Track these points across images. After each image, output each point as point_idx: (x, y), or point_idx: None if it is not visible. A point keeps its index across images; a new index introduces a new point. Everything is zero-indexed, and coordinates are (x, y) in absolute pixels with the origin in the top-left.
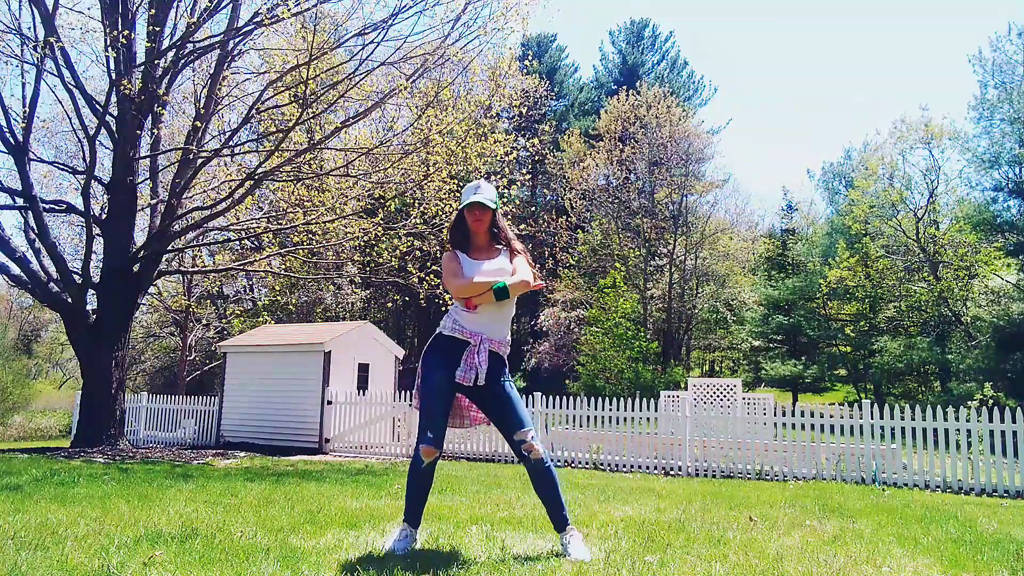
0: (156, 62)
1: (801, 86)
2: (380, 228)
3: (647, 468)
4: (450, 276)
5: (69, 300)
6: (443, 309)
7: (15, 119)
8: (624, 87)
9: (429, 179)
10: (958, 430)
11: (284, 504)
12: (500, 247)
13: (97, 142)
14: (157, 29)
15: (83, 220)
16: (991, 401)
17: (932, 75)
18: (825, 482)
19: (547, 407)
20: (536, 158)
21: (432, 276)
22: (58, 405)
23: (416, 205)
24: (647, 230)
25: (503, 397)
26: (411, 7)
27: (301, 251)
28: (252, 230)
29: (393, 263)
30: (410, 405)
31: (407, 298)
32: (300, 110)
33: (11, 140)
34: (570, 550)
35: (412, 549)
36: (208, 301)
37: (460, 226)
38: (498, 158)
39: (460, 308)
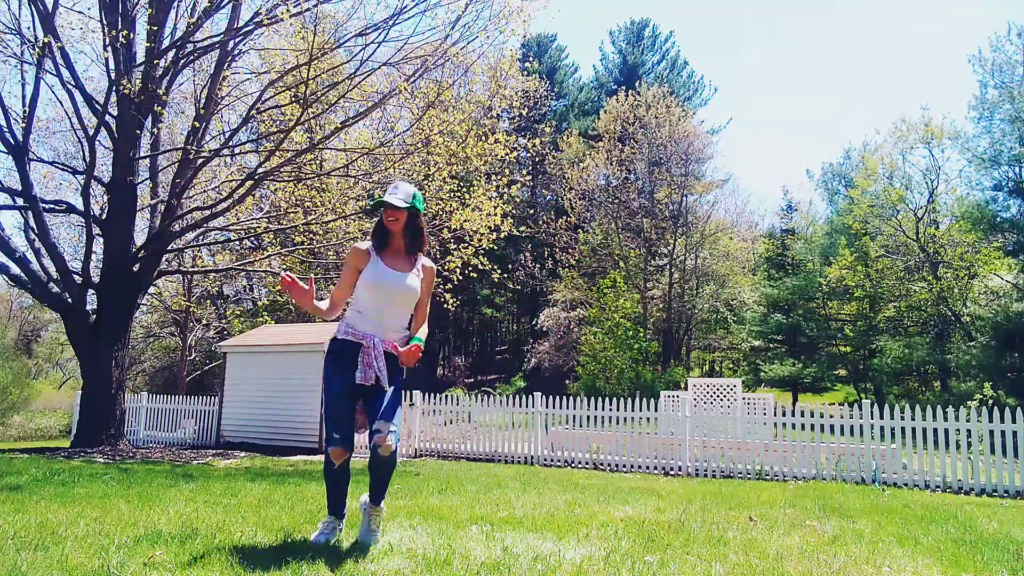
0: (156, 62)
1: (801, 86)
2: None
3: (647, 468)
4: (340, 280)
5: (69, 300)
6: (444, 308)
7: (15, 119)
8: (624, 87)
9: (430, 179)
10: (958, 430)
11: (284, 504)
12: (416, 257)
13: (97, 142)
14: (157, 29)
15: (83, 220)
16: (991, 401)
17: (932, 75)
18: (825, 482)
19: (547, 407)
20: (536, 158)
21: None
22: (58, 405)
23: None
24: (647, 230)
25: (382, 391)
26: (412, 7)
27: (301, 251)
28: (252, 230)
29: (337, 309)
30: (410, 405)
31: None
32: (300, 110)
33: (11, 140)
34: (371, 536)
35: (337, 539)
36: (208, 301)
37: (379, 226)
38: (498, 158)
39: (354, 309)
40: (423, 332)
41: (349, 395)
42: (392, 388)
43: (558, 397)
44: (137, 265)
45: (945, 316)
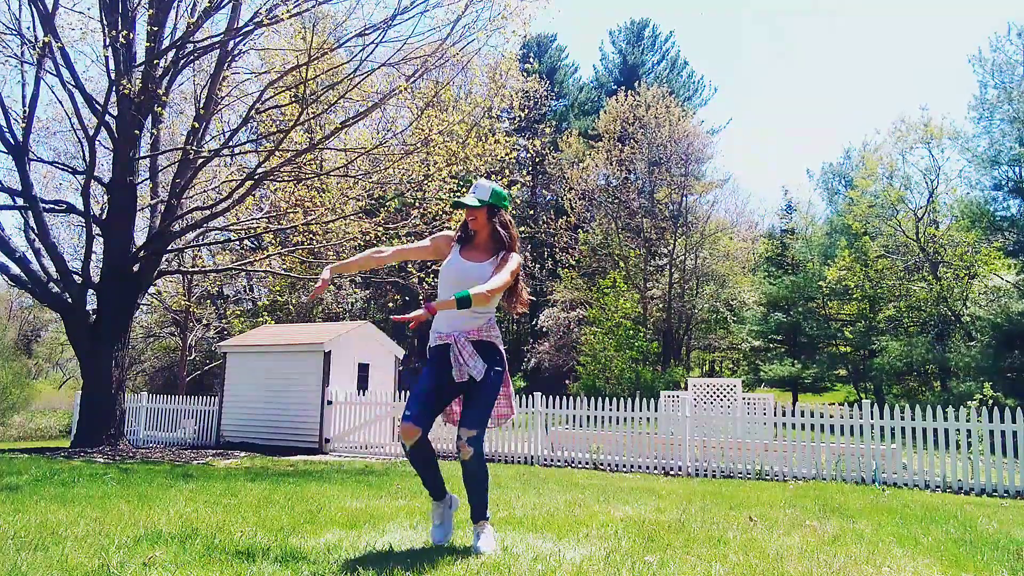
0: (156, 62)
1: (801, 86)
2: (380, 228)
3: (647, 468)
4: (414, 245)
5: (69, 300)
6: None
7: (15, 119)
8: (624, 87)
9: (429, 179)
10: (958, 430)
11: (284, 504)
12: (500, 249)
13: (97, 142)
14: (157, 29)
15: (83, 220)
16: (991, 401)
17: (932, 75)
18: (825, 482)
19: (547, 407)
20: (536, 159)
21: (432, 276)
22: (58, 405)
23: (416, 205)
24: (647, 230)
25: (475, 388)
26: (411, 8)
27: (301, 251)
28: (252, 230)
29: (393, 263)
30: None
31: (407, 298)
32: (300, 110)
33: (11, 140)
34: (478, 543)
35: (450, 529)
36: (208, 301)
37: (464, 225)
38: (498, 158)
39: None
40: (478, 289)
41: (433, 379)
42: (485, 385)
43: (558, 397)
44: (137, 265)
45: (945, 316)
